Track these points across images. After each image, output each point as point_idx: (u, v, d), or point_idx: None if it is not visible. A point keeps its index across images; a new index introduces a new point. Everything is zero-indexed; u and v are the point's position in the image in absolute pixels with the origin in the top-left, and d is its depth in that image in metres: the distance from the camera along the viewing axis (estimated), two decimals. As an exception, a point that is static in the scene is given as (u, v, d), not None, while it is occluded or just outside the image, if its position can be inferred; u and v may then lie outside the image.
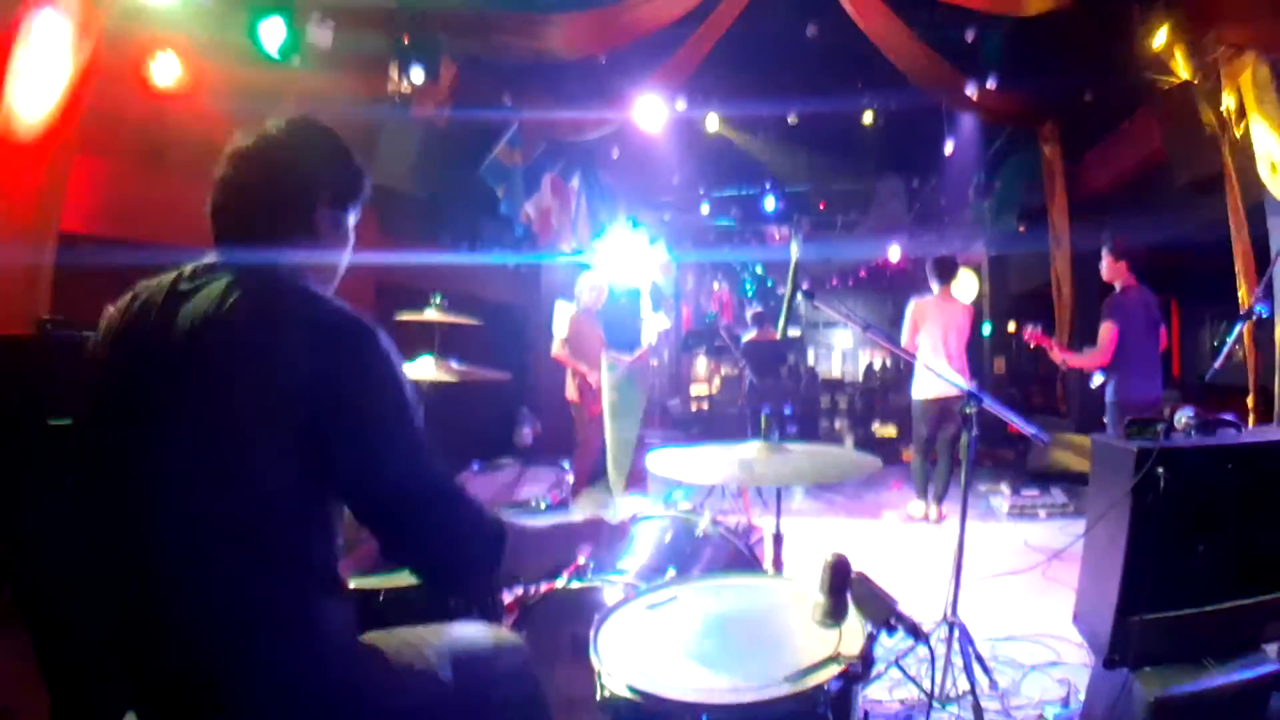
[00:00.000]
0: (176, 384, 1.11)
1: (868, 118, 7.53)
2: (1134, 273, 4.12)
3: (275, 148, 1.26)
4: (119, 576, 1.12)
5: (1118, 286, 4.13)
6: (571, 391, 5.32)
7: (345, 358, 1.12)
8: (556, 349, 5.26)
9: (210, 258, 1.21)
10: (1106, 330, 4.00)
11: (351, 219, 1.35)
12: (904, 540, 4.93)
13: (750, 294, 16.12)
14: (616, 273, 9.14)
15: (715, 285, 15.98)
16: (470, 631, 1.44)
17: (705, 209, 10.96)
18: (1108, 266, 4.17)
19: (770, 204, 10.69)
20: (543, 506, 2.57)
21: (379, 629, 1.31)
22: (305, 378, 1.09)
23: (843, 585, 1.31)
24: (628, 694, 1.26)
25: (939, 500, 5.26)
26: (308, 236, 1.26)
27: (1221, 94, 4.51)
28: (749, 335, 7.78)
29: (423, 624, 1.40)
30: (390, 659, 1.24)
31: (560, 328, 5.27)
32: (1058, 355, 4.44)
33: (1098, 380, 4.27)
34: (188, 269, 1.20)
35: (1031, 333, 4.42)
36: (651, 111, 6.41)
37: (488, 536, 1.23)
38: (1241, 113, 4.46)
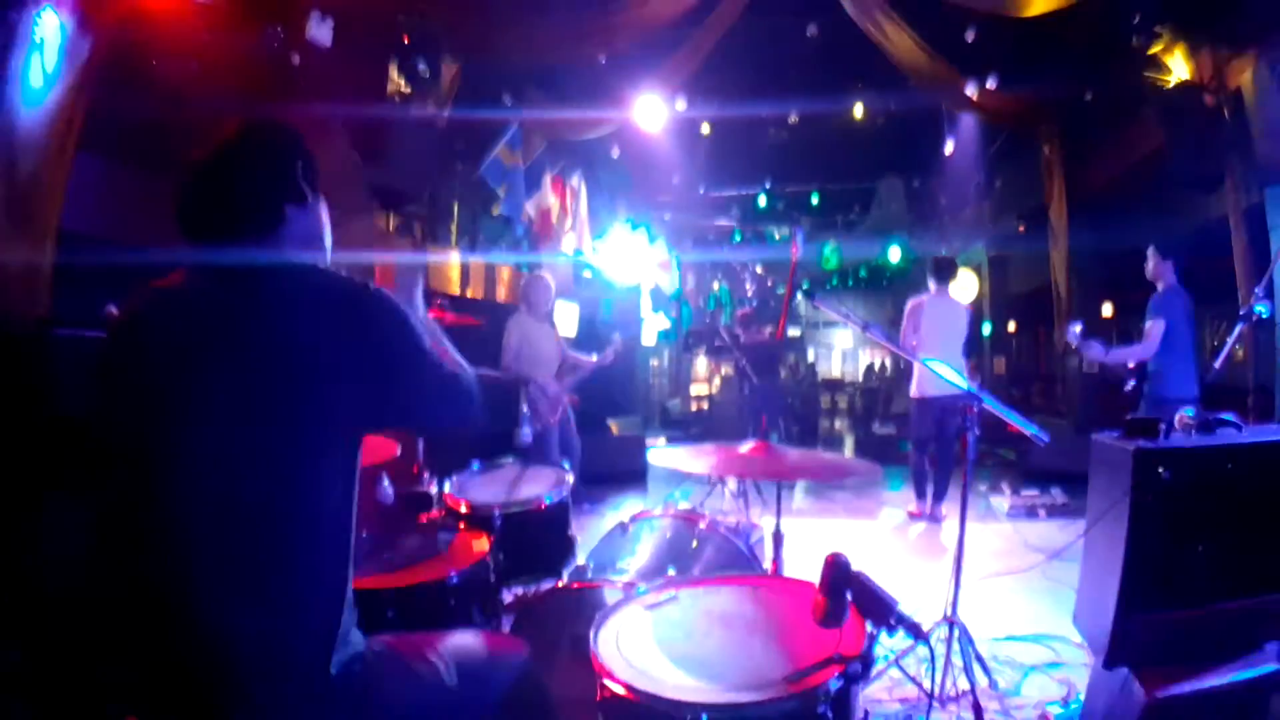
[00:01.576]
0: (206, 381, 1.11)
1: (866, 117, 7.55)
2: (1177, 274, 4.11)
3: (249, 148, 1.26)
4: (133, 573, 1.12)
5: (1160, 287, 4.13)
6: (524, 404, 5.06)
7: (373, 327, 1.17)
8: (505, 362, 4.77)
9: (207, 256, 1.21)
10: (1155, 326, 4.02)
11: (323, 207, 1.35)
12: (904, 540, 4.93)
13: (721, 303, 15.83)
14: (616, 272, 9.14)
15: (715, 285, 15.85)
16: (475, 639, 1.44)
17: (708, 207, 10.97)
18: (1154, 266, 4.16)
19: (770, 204, 10.71)
20: (543, 506, 2.57)
21: (380, 629, 1.31)
22: (338, 355, 1.12)
23: (843, 585, 1.31)
24: (628, 694, 1.26)
25: (938, 500, 5.27)
26: (292, 227, 1.28)
27: (1221, 93, 4.52)
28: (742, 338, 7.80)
29: (423, 625, 1.40)
30: (394, 662, 1.24)
31: (507, 341, 4.79)
32: (1098, 351, 4.26)
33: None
34: (196, 267, 1.20)
35: (1076, 333, 4.33)
36: (651, 111, 6.41)
37: (477, 400, 1.35)
38: (1241, 111, 4.46)
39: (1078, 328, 4.32)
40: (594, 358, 5.14)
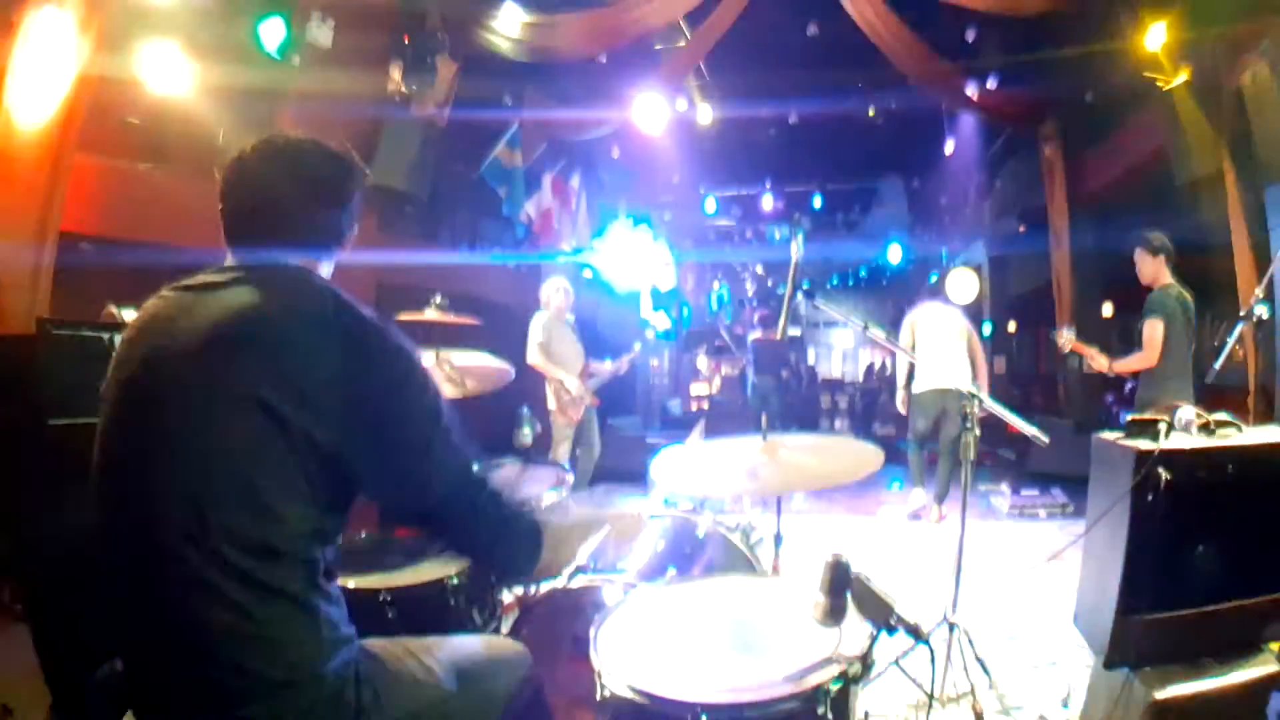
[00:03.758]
0: (195, 382, 1.09)
1: (867, 116, 7.55)
2: (1171, 269, 3.86)
3: (290, 157, 1.27)
4: (125, 575, 1.11)
5: (1156, 286, 3.89)
6: (550, 400, 5.07)
7: (375, 369, 1.13)
8: (532, 356, 4.95)
9: (228, 259, 1.22)
10: (1152, 328, 3.74)
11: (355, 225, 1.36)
12: (904, 540, 4.93)
13: (725, 301, 15.89)
14: (616, 272, 9.14)
15: (716, 284, 15.91)
16: (473, 643, 1.42)
17: (709, 205, 10.94)
18: (1147, 265, 3.91)
19: (769, 203, 10.70)
20: (542, 506, 2.57)
21: (379, 630, 1.30)
22: (330, 384, 1.09)
23: (843, 585, 1.31)
24: (628, 694, 1.26)
25: (939, 500, 5.27)
26: (325, 240, 1.30)
27: (1221, 93, 4.52)
28: (754, 334, 7.82)
29: (423, 625, 1.39)
30: (392, 667, 1.23)
31: (535, 334, 5.00)
32: (1102, 363, 4.04)
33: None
34: (211, 270, 1.20)
35: (1068, 338, 4.12)
36: (651, 111, 6.41)
37: (524, 534, 1.32)
38: (1241, 111, 4.46)
39: (1069, 333, 4.16)
40: (608, 364, 5.22)
